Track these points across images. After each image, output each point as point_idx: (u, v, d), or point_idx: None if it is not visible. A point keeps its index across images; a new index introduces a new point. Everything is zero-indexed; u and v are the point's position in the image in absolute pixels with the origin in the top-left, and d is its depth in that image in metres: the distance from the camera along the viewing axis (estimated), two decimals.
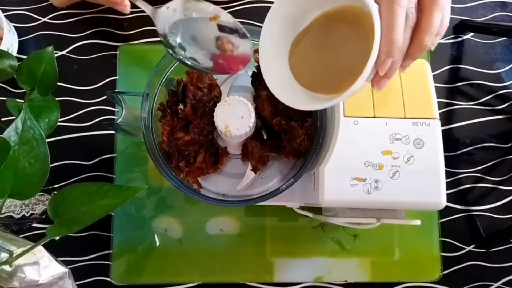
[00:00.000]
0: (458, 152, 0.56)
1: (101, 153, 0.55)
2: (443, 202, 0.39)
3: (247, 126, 0.42)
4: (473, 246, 0.54)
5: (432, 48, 0.31)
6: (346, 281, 0.52)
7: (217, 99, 0.46)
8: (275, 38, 0.36)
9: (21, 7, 0.59)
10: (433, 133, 0.40)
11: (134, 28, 0.58)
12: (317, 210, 0.48)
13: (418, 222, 0.42)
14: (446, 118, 0.57)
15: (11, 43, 0.54)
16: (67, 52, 0.57)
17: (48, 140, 0.39)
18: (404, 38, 0.29)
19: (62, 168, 0.54)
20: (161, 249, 0.53)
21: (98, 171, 0.54)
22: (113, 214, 0.53)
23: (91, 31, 0.58)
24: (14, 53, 0.55)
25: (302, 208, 0.49)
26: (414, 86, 0.41)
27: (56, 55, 0.55)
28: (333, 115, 0.41)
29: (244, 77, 0.50)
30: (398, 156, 0.39)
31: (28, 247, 0.38)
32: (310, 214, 0.49)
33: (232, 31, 0.39)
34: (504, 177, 0.55)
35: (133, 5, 0.59)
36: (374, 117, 0.40)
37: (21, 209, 0.51)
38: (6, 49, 0.52)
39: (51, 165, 0.39)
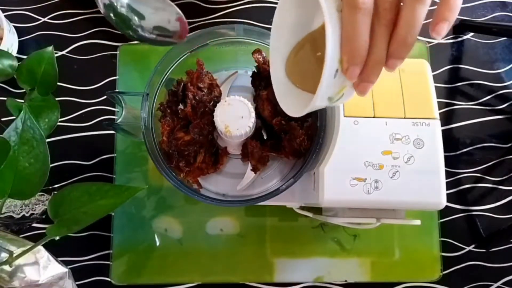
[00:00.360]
0: (458, 152, 0.56)
1: (101, 153, 0.55)
2: (443, 202, 0.39)
3: (247, 126, 0.42)
4: (473, 246, 0.54)
5: (438, 38, 0.28)
6: (346, 281, 0.52)
7: (217, 99, 0.46)
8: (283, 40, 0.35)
9: (21, 7, 0.59)
10: (433, 133, 0.40)
11: None
12: (317, 210, 0.48)
13: (418, 222, 0.42)
14: (446, 118, 0.57)
15: (11, 43, 0.54)
16: (67, 52, 0.57)
17: (48, 140, 0.39)
18: (375, 39, 0.27)
19: (62, 168, 0.54)
20: (161, 249, 0.53)
21: (98, 171, 0.54)
22: (113, 214, 0.53)
23: (91, 31, 0.58)
24: (14, 53, 0.55)
25: (302, 208, 0.49)
26: (414, 86, 0.41)
27: (56, 55, 0.55)
28: (333, 115, 0.41)
29: (244, 77, 0.50)
30: (398, 156, 0.39)
31: (28, 247, 0.38)
32: (310, 214, 0.49)
33: None
34: (504, 177, 0.55)
35: None
36: (374, 117, 0.40)
37: (21, 209, 0.51)
38: (6, 49, 0.52)
39: (51, 165, 0.39)
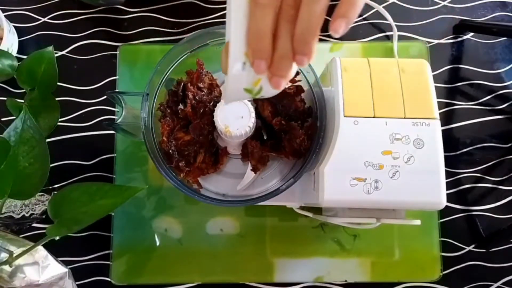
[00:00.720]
0: (458, 152, 0.56)
1: (101, 153, 0.55)
2: (443, 202, 0.39)
3: (247, 126, 0.42)
4: (473, 246, 0.54)
5: (336, 35, 0.27)
6: (346, 281, 0.52)
7: (217, 99, 0.46)
8: None
9: (21, 7, 0.59)
10: (433, 133, 0.40)
11: (134, 28, 0.58)
12: (317, 210, 0.48)
13: (418, 222, 0.42)
14: (446, 118, 0.57)
15: (11, 43, 0.54)
16: (67, 52, 0.57)
17: (48, 140, 0.39)
18: (279, 34, 0.27)
19: (62, 168, 0.54)
20: (161, 249, 0.53)
21: (98, 171, 0.54)
22: (113, 214, 0.53)
23: (91, 31, 0.58)
24: (14, 53, 0.55)
25: (302, 208, 0.49)
26: (414, 86, 0.41)
27: (56, 55, 0.55)
28: (333, 115, 0.41)
29: None
30: (398, 156, 0.39)
31: (28, 247, 0.38)
32: (310, 214, 0.49)
33: None
34: (504, 177, 0.55)
35: (133, 6, 0.59)
36: (374, 117, 0.40)
37: (21, 209, 0.51)
38: (6, 49, 0.52)
39: (51, 165, 0.39)
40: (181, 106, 0.46)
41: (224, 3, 0.59)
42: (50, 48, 0.48)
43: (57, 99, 0.48)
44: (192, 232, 0.53)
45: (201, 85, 0.45)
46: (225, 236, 0.53)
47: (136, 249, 0.53)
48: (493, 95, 0.57)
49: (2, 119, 0.54)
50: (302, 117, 0.45)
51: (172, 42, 0.58)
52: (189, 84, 0.45)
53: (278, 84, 0.29)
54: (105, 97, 0.56)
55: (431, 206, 0.39)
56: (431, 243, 0.53)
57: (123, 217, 0.53)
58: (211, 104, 0.45)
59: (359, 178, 0.39)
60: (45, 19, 0.58)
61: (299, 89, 0.45)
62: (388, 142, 0.39)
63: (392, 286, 0.52)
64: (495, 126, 0.56)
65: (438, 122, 0.40)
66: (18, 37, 0.57)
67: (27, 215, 0.51)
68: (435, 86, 0.42)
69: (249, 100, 0.42)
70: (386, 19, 0.58)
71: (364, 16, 0.59)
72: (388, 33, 0.59)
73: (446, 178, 0.39)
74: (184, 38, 0.45)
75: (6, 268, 0.38)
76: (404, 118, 0.40)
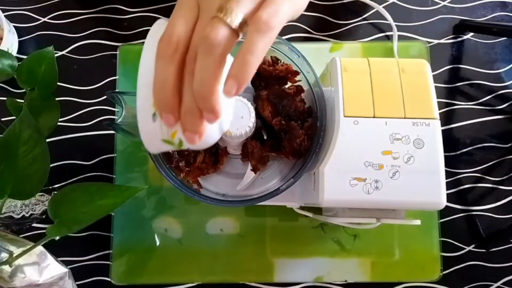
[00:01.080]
0: (458, 152, 0.56)
1: (101, 153, 0.55)
2: (443, 202, 0.39)
3: (247, 126, 0.42)
4: (473, 246, 0.54)
5: (229, 96, 0.25)
6: (346, 281, 0.52)
7: None
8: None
9: (21, 7, 0.59)
10: (433, 133, 0.40)
11: (134, 28, 0.58)
12: (317, 210, 0.48)
13: (418, 222, 0.42)
14: (446, 118, 0.57)
15: (11, 43, 0.54)
16: (67, 52, 0.57)
17: (48, 140, 0.39)
18: (183, 88, 0.26)
19: (62, 168, 0.54)
20: (161, 249, 0.53)
21: (98, 171, 0.54)
22: (113, 214, 0.53)
23: (91, 31, 0.58)
24: (14, 53, 0.55)
25: (302, 208, 0.49)
26: (414, 86, 0.41)
27: (56, 55, 0.55)
28: (333, 115, 0.41)
29: None
30: (398, 156, 0.39)
31: (28, 247, 0.38)
32: (310, 214, 0.49)
33: None
34: (504, 177, 0.55)
35: (133, 6, 0.59)
36: (374, 117, 0.40)
37: (21, 209, 0.51)
38: (6, 49, 0.52)
39: (51, 165, 0.39)
40: None
41: None
42: (50, 48, 0.48)
43: (57, 99, 0.48)
44: (192, 232, 0.53)
45: None
46: (225, 236, 0.53)
47: (136, 249, 0.53)
48: (493, 95, 0.57)
49: (2, 119, 0.54)
50: (302, 117, 0.45)
51: None
52: None
53: (192, 140, 0.27)
54: (105, 97, 0.56)
55: (431, 206, 0.39)
56: (431, 243, 0.53)
57: (123, 217, 0.53)
58: None
59: (359, 178, 0.39)
60: (45, 19, 0.58)
61: (299, 89, 0.45)
62: (388, 142, 0.39)
63: (392, 286, 0.52)
64: (495, 126, 0.56)
65: (438, 122, 0.40)
66: (18, 37, 0.57)
67: (27, 215, 0.51)
68: (435, 86, 0.42)
69: (249, 100, 0.42)
70: (386, 19, 0.58)
71: (364, 16, 0.59)
72: (388, 33, 0.59)
73: (446, 178, 0.39)
74: None
75: (6, 268, 0.38)
76: (404, 118, 0.40)
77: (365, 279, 0.52)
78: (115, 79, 0.57)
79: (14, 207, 0.50)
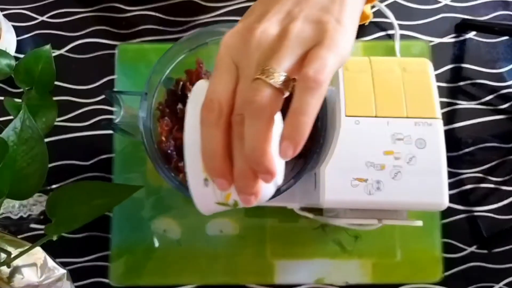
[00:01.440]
0: (460, 152, 0.55)
1: (99, 153, 0.54)
2: (445, 202, 0.38)
3: None
4: (475, 247, 0.53)
5: (285, 159, 0.25)
6: (347, 282, 0.52)
7: None
8: None
9: (19, 6, 0.58)
10: (435, 133, 0.39)
11: (133, 27, 0.58)
12: (318, 211, 0.48)
13: (420, 223, 0.41)
14: (448, 117, 0.56)
15: (9, 42, 0.54)
16: (65, 51, 0.57)
17: (46, 140, 0.39)
18: (234, 152, 0.26)
19: (60, 169, 0.54)
20: (160, 250, 0.52)
21: (97, 171, 0.54)
22: (111, 215, 0.53)
23: (89, 30, 0.58)
24: (12, 52, 0.55)
25: (302, 209, 0.49)
26: (416, 86, 0.41)
27: (54, 54, 0.55)
28: (334, 115, 0.41)
29: None
30: (400, 156, 0.39)
31: (26, 248, 0.37)
32: (310, 215, 0.48)
33: None
34: (506, 178, 0.55)
35: (131, 4, 0.59)
36: (375, 116, 0.40)
37: (19, 210, 0.50)
38: (4, 48, 0.52)
39: (48, 166, 0.39)
40: (180, 106, 0.46)
41: (224, 1, 0.59)
42: (48, 46, 0.48)
43: (54, 98, 0.48)
44: (191, 233, 0.52)
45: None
46: (225, 237, 0.52)
47: (135, 250, 0.52)
48: (496, 94, 0.57)
49: (0, 119, 0.54)
50: None
51: (171, 41, 0.57)
52: (188, 84, 0.44)
53: (247, 202, 0.27)
54: (103, 96, 0.56)
55: (433, 207, 0.39)
56: (433, 244, 0.53)
57: (121, 218, 0.53)
58: None
59: (361, 179, 0.38)
60: (43, 18, 0.58)
61: None
62: (390, 142, 0.39)
63: None
64: (497, 126, 0.56)
65: (440, 122, 0.40)
66: (16, 36, 0.56)
67: (25, 215, 0.51)
68: (437, 86, 0.41)
69: None
70: (388, 18, 0.58)
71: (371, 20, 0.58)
72: (389, 32, 0.58)
73: (448, 179, 0.39)
74: (183, 37, 0.45)
75: (4, 269, 0.38)
76: (406, 117, 0.40)
77: (366, 281, 0.52)
78: (113, 79, 0.56)
79: (12, 207, 0.50)
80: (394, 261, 0.52)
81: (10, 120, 0.39)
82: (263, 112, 0.24)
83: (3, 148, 0.38)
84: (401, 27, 0.58)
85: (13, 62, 0.48)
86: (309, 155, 0.42)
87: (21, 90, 0.47)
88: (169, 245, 0.52)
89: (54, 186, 0.53)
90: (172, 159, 0.44)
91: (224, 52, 0.27)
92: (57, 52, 0.57)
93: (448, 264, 0.52)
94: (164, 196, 0.53)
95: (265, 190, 0.28)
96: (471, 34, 0.59)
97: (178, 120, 0.45)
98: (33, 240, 0.38)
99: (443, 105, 0.56)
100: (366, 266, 0.52)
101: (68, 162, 0.54)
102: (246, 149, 0.25)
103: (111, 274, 0.52)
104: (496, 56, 0.58)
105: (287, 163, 0.47)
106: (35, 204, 0.51)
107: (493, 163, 0.55)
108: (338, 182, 0.38)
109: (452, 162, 0.54)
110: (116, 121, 0.43)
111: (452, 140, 0.56)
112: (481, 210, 0.54)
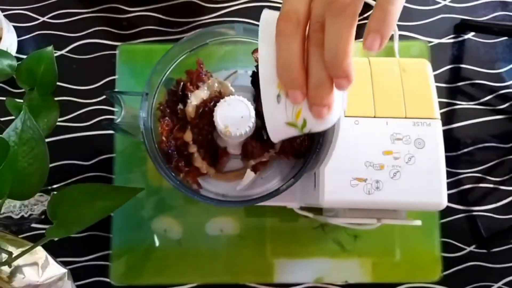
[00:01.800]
0: (459, 152, 0.56)
1: (100, 153, 0.55)
2: (444, 202, 0.38)
3: (247, 126, 0.41)
4: (474, 246, 0.53)
5: (372, 53, 0.25)
6: (346, 282, 0.52)
7: (217, 99, 0.46)
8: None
9: (20, 7, 0.58)
10: (434, 133, 0.39)
11: (134, 28, 0.58)
12: (318, 211, 0.48)
13: (419, 222, 0.41)
14: (447, 118, 0.56)
15: (10, 43, 0.54)
16: (66, 52, 0.57)
17: (47, 140, 0.39)
18: (310, 61, 0.26)
19: (61, 168, 0.54)
20: (161, 249, 0.52)
21: (97, 171, 0.54)
22: (112, 214, 0.53)
23: (90, 30, 0.58)
24: (13, 53, 0.55)
25: (302, 208, 0.49)
26: (415, 86, 0.41)
27: (55, 54, 0.55)
28: None
29: (244, 77, 0.50)
30: (399, 156, 0.39)
31: (27, 247, 0.38)
32: (310, 215, 0.48)
33: None
34: (505, 177, 0.55)
35: (132, 5, 0.59)
36: (374, 117, 0.40)
37: (20, 210, 0.50)
38: (5, 49, 0.52)
39: (50, 165, 0.39)
40: (180, 106, 0.46)
41: (224, 2, 0.59)
42: (50, 48, 0.48)
43: (56, 99, 0.48)
44: (191, 233, 0.53)
45: (200, 84, 0.45)
46: (225, 236, 0.53)
47: (135, 249, 0.52)
48: (494, 95, 0.57)
49: (1, 119, 0.54)
50: None
51: (172, 42, 0.57)
52: (188, 84, 0.45)
53: (320, 114, 0.27)
54: (104, 97, 0.56)
55: (432, 206, 0.39)
56: (432, 244, 0.53)
57: (122, 218, 0.53)
58: (211, 103, 0.44)
59: (360, 178, 0.38)
60: (44, 19, 0.58)
61: None
62: (389, 142, 0.39)
63: (393, 287, 0.52)
64: (496, 126, 0.56)
65: (439, 122, 0.40)
66: (17, 37, 0.56)
67: (26, 215, 0.51)
68: (436, 86, 0.41)
69: (249, 100, 0.42)
70: None
71: (364, 16, 0.59)
72: None
73: (447, 179, 0.39)
74: (183, 37, 0.45)
75: (5, 268, 0.38)
76: (405, 118, 0.40)
77: (365, 280, 0.52)
78: (114, 79, 0.57)
79: (13, 207, 0.50)
80: (393, 261, 0.52)
81: (12, 120, 0.39)
82: (347, 9, 0.24)
83: (4, 148, 0.38)
84: (400, 27, 0.58)
85: (14, 63, 0.48)
86: (308, 155, 0.42)
87: (23, 90, 0.47)
88: (169, 244, 0.52)
89: (55, 186, 0.54)
90: (172, 159, 0.44)
91: None
92: (58, 53, 0.57)
93: (447, 263, 0.53)
94: (164, 196, 0.53)
95: (334, 108, 0.28)
96: (470, 35, 0.59)
97: (179, 120, 0.45)
98: (34, 240, 0.38)
99: (442, 105, 0.56)
100: (365, 266, 0.52)
101: (69, 162, 0.54)
102: (326, 51, 0.25)
103: (111, 273, 0.52)
104: (495, 57, 0.58)
105: (287, 163, 0.47)
106: (36, 204, 0.51)
107: (492, 163, 0.55)
108: (338, 182, 0.38)
109: (451, 162, 0.55)
110: (117, 121, 0.43)
111: (451, 140, 0.56)
112: (480, 209, 0.54)
